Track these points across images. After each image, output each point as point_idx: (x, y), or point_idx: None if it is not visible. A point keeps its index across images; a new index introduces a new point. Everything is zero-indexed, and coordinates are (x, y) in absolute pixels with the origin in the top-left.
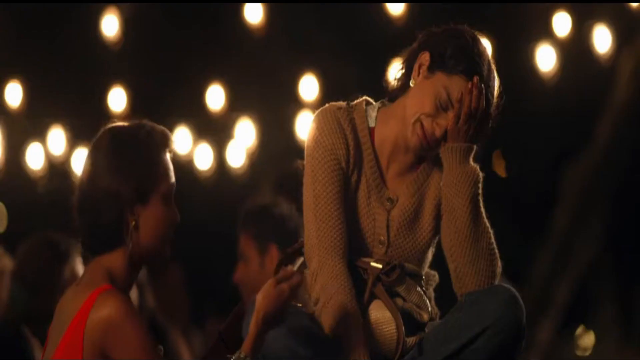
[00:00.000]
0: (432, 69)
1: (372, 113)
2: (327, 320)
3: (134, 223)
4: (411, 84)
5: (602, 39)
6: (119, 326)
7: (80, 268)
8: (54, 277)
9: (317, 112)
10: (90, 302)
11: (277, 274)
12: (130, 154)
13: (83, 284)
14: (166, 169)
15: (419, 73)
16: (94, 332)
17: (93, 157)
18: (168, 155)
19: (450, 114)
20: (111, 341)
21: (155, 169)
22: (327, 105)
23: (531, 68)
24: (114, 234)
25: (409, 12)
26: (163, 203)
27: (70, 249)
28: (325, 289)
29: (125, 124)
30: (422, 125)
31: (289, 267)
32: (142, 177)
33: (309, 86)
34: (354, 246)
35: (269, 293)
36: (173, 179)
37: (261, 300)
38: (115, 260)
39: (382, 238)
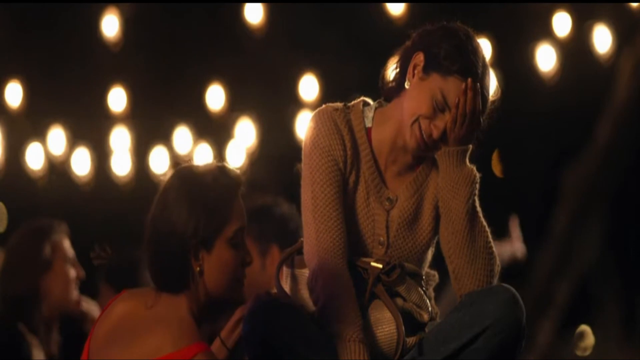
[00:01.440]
0: (426, 70)
1: (369, 113)
2: (327, 320)
3: (198, 269)
4: (406, 86)
5: (602, 39)
6: None
7: (66, 246)
8: (36, 254)
9: (313, 113)
10: (188, 354)
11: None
12: (194, 200)
13: (164, 316)
14: (233, 212)
15: (413, 74)
16: None
17: (161, 199)
18: (238, 197)
19: (448, 115)
20: None
21: (220, 214)
22: (323, 106)
23: (531, 68)
24: (180, 279)
25: (409, 12)
26: (230, 247)
27: (52, 227)
28: (325, 289)
29: (196, 166)
30: (419, 127)
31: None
32: (205, 223)
33: (309, 86)
34: (354, 247)
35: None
36: (243, 221)
37: None
38: (185, 301)
39: (381, 239)
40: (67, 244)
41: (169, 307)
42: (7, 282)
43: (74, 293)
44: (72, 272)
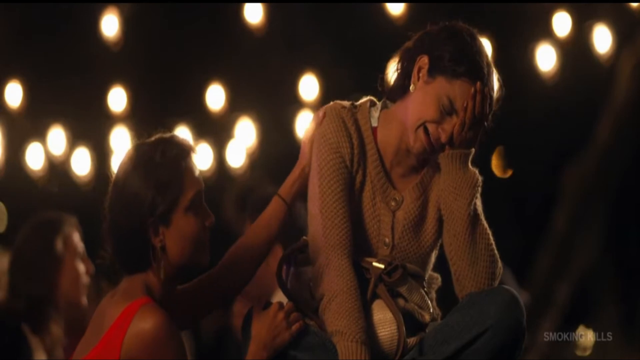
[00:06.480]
0: (432, 73)
1: (375, 113)
2: (329, 318)
3: (160, 245)
4: (411, 89)
5: (602, 39)
6: (156, 342)
7: (76, 240)
8: (49, 249)
9: (322, 108)
10: (131, 312)
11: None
12: (146, 180)
13: (120, 295)
14: (186, 181)
15: (418, 78)
16: (132, 344)
17: (115, 182)
18: (189, 161)
19: (455, 119)
20: (147, 355)
21: (173, 188)
22: (332, 103)
23: (531, 68)
24: (142, 258)
25: (409, 12)
26: (189, 215)
27: (61, 220)
28: (330, 286)
29: (145, 143)
30: (426, 131)
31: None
32: (160, 200)
33: (309, 86)
34: (359, 246)
35: (273, 326)
36: (198, 185)
37: (264, 333)
38: (149, 276)
39: (387, 240)
40: (77, 237)
41: (126, 286)
42: (20, 280)
43: (84, 290)
44: (82, 267)
